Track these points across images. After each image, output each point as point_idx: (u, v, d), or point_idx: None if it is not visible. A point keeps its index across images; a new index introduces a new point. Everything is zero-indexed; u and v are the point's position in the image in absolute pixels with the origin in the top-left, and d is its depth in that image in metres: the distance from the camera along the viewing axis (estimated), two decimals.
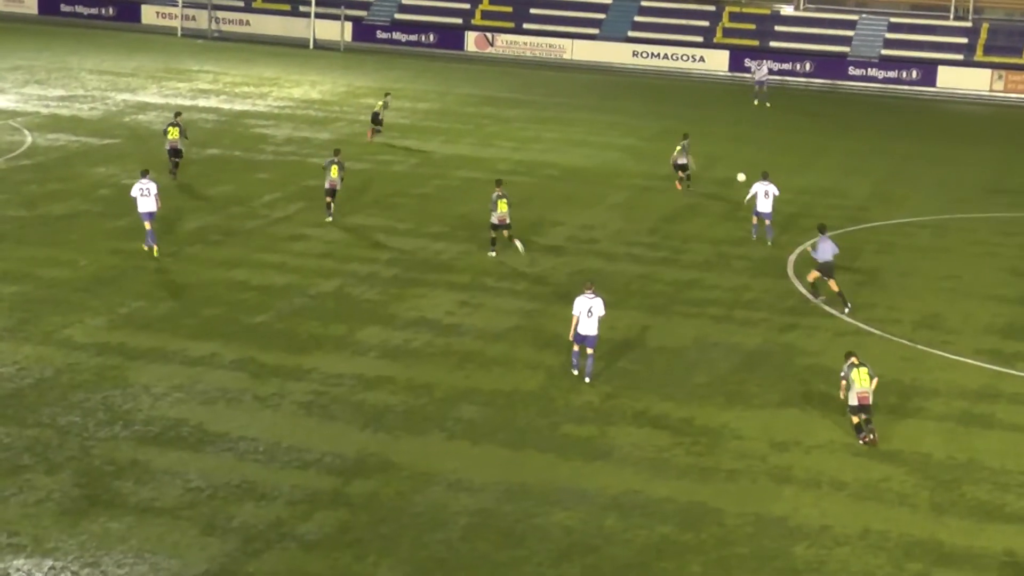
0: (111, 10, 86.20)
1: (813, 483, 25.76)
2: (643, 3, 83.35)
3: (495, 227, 39.50)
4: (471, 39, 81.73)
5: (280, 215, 43.33)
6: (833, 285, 36.43)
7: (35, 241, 39.29)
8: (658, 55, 78.17)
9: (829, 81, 76.75)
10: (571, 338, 30.41)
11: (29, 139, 52.07)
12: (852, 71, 76.78)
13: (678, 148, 48.98)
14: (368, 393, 29.14)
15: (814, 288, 37.28)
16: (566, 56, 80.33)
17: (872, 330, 34.66)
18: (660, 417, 28.56)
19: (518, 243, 39.30)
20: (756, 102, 68.42)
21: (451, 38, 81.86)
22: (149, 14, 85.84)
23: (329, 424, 27.58)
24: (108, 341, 31.43)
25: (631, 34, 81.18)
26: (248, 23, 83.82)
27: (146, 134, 54.32)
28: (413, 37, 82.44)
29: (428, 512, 23.91)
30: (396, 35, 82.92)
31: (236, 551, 22.32)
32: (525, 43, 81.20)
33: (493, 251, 39.55)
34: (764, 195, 42.01)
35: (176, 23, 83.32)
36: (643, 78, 77.06)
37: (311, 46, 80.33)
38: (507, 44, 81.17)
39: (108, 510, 23.44)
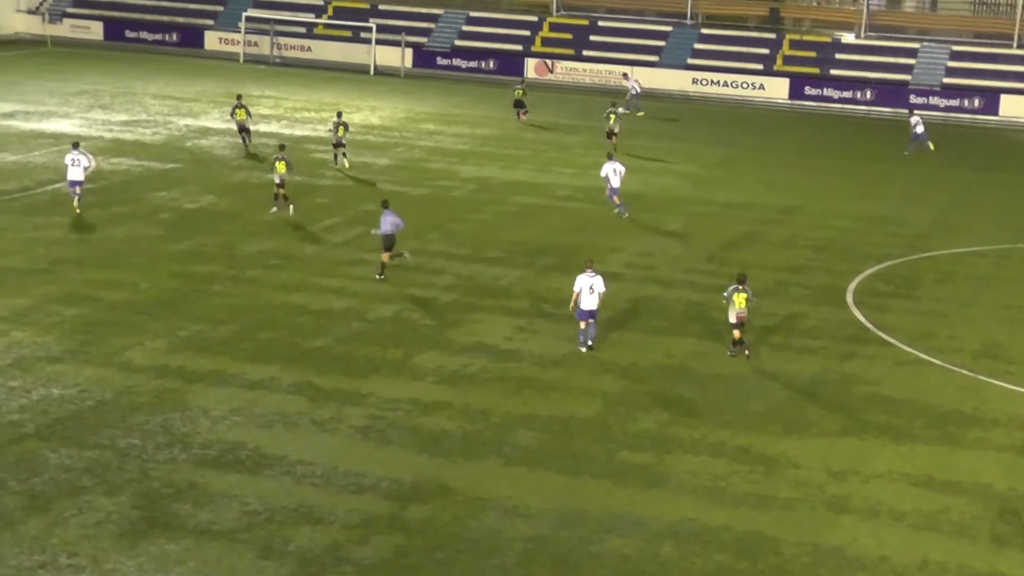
0: (175, 36, 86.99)
1: (871, 513, 25.57)
2: (703, 31, 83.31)
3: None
4: (531, 65, 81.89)
5: (339, 240, 43.53)
6: (386, 258, 38.99)
7: (97, 264, 39.65)
8: (718, 82, 78.05)
9: (890, 109, 76.37)
10: (574, 314, 33.71)
11: (93, 163, 52.50)
12: (914, 99, 76.36)
13: (612, 117, 59.06)
14: (425, 418, 29.20)
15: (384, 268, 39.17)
16: (626, 83, 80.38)
17: (932, 360, 34.40)
18: (717, 445, 28.45)
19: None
20: (631, 111, 70.10)
21: (511, 64, 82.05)
22: (212, 40, 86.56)
23: (386, 448, 27.64)
24: (168, 364, 31.66)
25: (691, 61, 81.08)
26: (309, 49, 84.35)
27: (207, 159, 54.75)
28: (473, 63, 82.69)
29: (484, 538, 23.92)
30: (456, 61, 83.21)
31: (292, 575, 22.40)
32: (584, 70, 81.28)
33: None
34: (614, 172, 47.29)
35: (238, 49, 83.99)
36: (702, 105, 76.96)
37: (372, 72, 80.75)
38: (566, 71, 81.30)
39: (166, 532, 23.59)
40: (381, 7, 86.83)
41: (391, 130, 63.01)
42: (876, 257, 43.98)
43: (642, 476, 26.79)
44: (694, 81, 79.29)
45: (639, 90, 71.82)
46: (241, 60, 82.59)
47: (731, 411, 30.40)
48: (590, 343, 33.84)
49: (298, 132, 61.19)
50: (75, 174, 44.67)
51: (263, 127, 61.67)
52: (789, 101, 77.92)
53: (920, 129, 63.06)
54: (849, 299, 39.43)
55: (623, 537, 24.13)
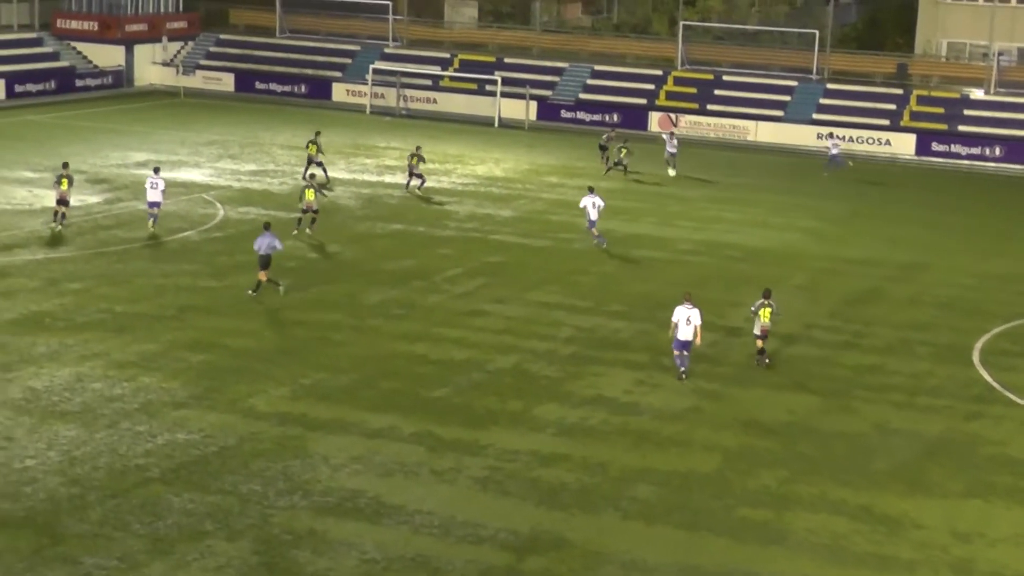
0: (303, 88, 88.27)
1: None
2: (829, 86, 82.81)
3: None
4: (654, 119, 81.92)
5: (461, 290, 43.79)
6: (262, 276, 41.37)
7: (223, 311, 40.26)
8: (843, 137, 77.44)
9: (1020, 166, 75.21)
10: (672, 345, 35.58)
11: (221, 212, 53.48)
12: None
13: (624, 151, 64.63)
14: (543, 470, 29.21)
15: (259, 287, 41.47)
16: (749, 137, 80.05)
17: None
18: (838, 503, 28.13)
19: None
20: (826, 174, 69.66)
21: (634, 117, 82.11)
22: (340, 92, 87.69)
23: (504, 500, 27.68)
24: (290, 411, 32.01)
25: (816, 116, 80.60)
26: (435, 101, 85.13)
27: (332, 209, 55.38)
28: (597, 116, 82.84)
29: None
30: (580, 114, 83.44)
31: None
32: (708, 124, 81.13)
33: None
34: (592, 206, 49.51)
35: (365, 100, 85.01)
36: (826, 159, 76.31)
37: (496, 124, 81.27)
38: (690, 125, 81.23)
39: None
40: (507, 60, 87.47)
41: (514, 182, 63.34)
42: (1003, 316, 43.29)
43: (761, 533, 26.55)
44: (819, 136, 78.75)
45: (837, 152, 70.43)
46: (367, 112, 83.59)
47: (853, 469, 30.04)
48: (683, 374, 35.60)
49: (432, 184, 61.66)
50: (154, 196, 48.57)
51: (387, 178, 62.29)
52: (916, 157, 77.08)
53: (835, 151, 69.37)
54: (975, 358, 38.83)
55: None
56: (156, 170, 49.75)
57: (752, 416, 33.19)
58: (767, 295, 36.75)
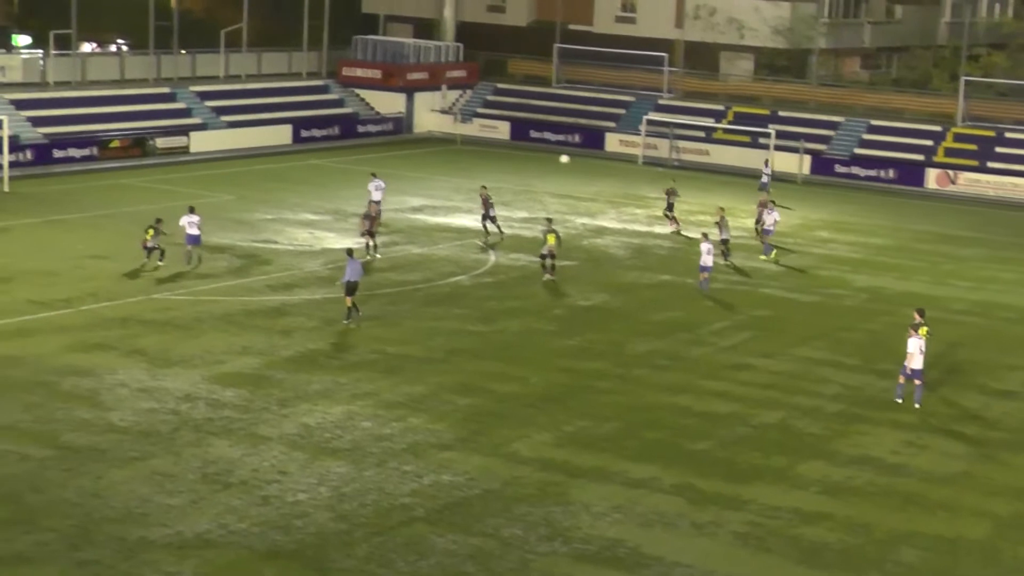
0: (577, 137, 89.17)
1: None
2: None
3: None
4: (932, 176, 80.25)
5: (727, 343, 43.59)
6: (348, 301, 42.97)
7: (490, 356, 40.89)
8: None
9: None
10: (902, 372, 37.33)
11: (492, 258, 54.39)
12: None
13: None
14: (806, 528, 28.85)
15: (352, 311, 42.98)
16: None
17: None
18: None
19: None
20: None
21: (911, 174, 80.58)
22: (612, 142, 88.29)
23: (764, 556, 27.43)
24: (553, 457, 32.31)
25: None
26: (707, 153, 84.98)
27: (602, 257, 55.79)
28: (872, 172, 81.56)
29: None
30: (855, 169, 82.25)
31: None
32: (989, 181, 79.09)
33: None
34: (707, 252, 49.65)
35: (637, 151, 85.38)
36: None
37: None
38: (969, 182, 79.33)
39: None
40: (781, 113, 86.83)
41: (784, 236, 62.75)
42: None
43: None
44: None
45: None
46: (639, 162, 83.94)
47: None
48: (917, 405, 37.07)
49: (691, 235, 61.59)
50: (193, 230, 50.33)
51: (657, 228, 62.40)
52: None
53: (764, 180, 70.91)
54: None
55: None
56: (191, 209, 50.96)
57: None
58: (921, 313, 38.87)
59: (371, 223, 53.60)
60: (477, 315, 45.53)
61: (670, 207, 62.46)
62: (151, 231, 49.43)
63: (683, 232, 60.98)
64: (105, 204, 60.53)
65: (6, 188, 64.01)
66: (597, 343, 42.85)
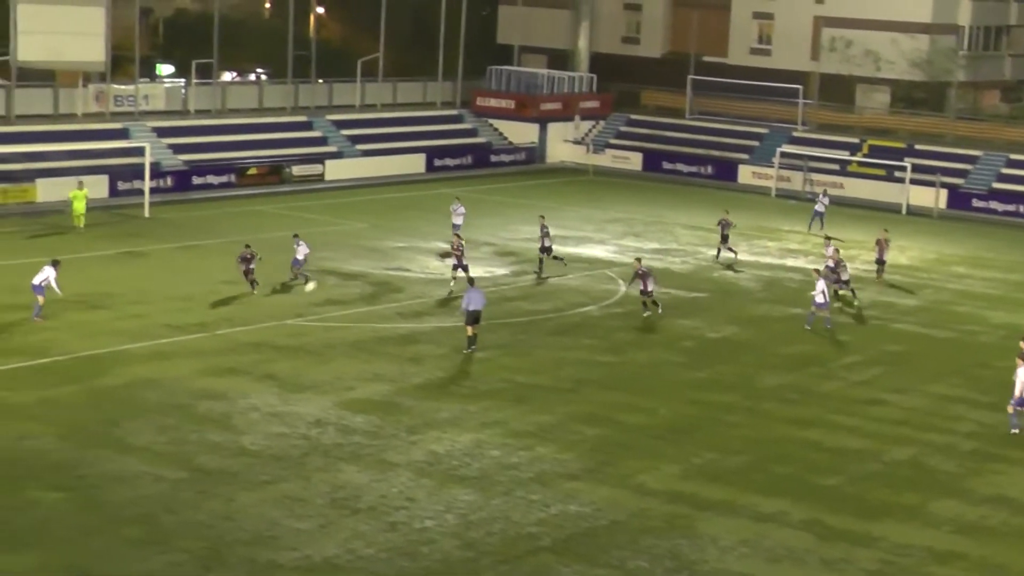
0: (710, 168, 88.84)
1: None
2: None
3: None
4: None
5: (858, 378, 43.09)
6: (470, 330, 43.40)
7: (619, 386, 40.84)
8: None
9: None
10: (1012, 402, 37.35)
11: (622, 289, 54.33)
12: None
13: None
14: (938, 567, 28.40)
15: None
16: None
17: None
18: None
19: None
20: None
21: None
22: (746, 174, 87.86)
23: None
24: (680, 490, 32.16)
25: None
26: (842, 186, 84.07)
27: (733, 289, 55.49)
28: (1010, 207, 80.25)
29: None
30: (993, 204, 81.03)
31: None
32: None
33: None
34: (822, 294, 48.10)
35: (771, 183, 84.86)
36: None
37: (903, 211, 79.74)
38: None
39: None
40: (918, 147, 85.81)
41: (919, 271, 61.98)
42: None
43: None
44: None
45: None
46: (773, 194, 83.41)
47: None
48: (1014, 431, 37.37)
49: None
50: (300, 253, 51.92)
51: (789, 261, 61.94)
52: None
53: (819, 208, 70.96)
54: None
55: None
56: (296, 236, 52.99)
57: None
58: None
59: (457, 253, 52.44)
60: (606, 345, 45.50)
61: (724, 238, 61.57)
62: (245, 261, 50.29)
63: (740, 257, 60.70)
64: (241, 230, 61.51)
65: (146, 214, 65.33)
66: (726, 375, 42.61)
